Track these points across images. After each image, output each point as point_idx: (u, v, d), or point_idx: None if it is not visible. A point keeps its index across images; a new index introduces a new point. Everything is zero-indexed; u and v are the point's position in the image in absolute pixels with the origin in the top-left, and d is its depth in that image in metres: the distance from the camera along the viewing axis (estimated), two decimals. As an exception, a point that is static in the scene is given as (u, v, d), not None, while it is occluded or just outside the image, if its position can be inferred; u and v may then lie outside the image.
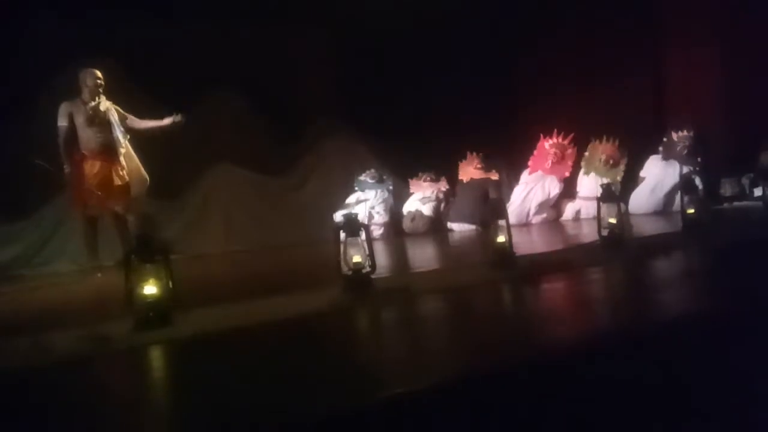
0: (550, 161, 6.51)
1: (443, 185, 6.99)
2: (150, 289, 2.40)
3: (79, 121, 4.81)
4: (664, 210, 6.10)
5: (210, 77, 6.46)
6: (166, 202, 6.34)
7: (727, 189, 6.27)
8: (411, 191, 6.99)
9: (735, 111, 6.66)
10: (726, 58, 6.87)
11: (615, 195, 3.57)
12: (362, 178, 6.82)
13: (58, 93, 5.59)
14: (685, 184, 4.04)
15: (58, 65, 5.50)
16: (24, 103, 5.83)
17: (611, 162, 6.41)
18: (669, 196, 6.11)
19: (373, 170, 6.90)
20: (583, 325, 2.11)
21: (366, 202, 6.55)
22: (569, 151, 6.61)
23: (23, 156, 5.76)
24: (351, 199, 6.67)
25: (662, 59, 7.51)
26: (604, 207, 3.43)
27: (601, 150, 6.50)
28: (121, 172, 4.98)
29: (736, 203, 6.00)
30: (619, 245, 3.36)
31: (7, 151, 5.77)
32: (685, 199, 3.80)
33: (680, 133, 6.36)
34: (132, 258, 2.42)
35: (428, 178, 6.96)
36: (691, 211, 3.76)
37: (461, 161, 6.95)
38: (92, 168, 4.81)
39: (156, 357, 2.21)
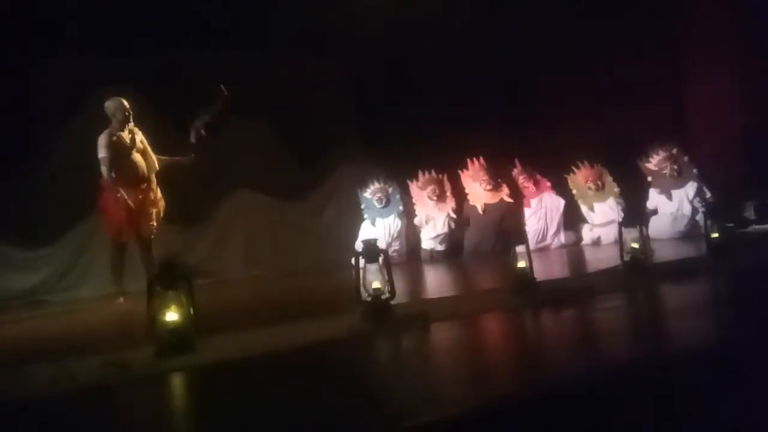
0: (530, 188, 6.53)
1: (452, 204, 6.55)
2: (172, 315, 2.41)
3: (117, 150, 4.87)
4: (687, 233, 5.97)
5: (230, 104, 6.55)
6: (186, 228, 6.40)
7: (752, 212, 6.15)
8: (414, 203, 6.57)
9: (755, 132, 6.62)
10: (734, 77, 6.88)
11: (637, 218, 3.53)
12: (368, 196, 6.47)
13: (79, 120, 5.74)
14: (709, 209, 3.99)
15: (80, 93, 5.64)
16: (46, 131, 5.97)
17: (599, 184, 6.37)
18: (692, 219, 6.00)
19: (376, 184, 6.46)
20: (606, 353, 2.08)
21: (378, 232, 6.21)
22: (538, 177, 6.60)
23: (46, 183, 5.91)
24: (362, 239, 6.23)
25: (670, 77, 7.52)
26: (626, 232, 3.39)
27: (581, 178, 6.48)
28: (154, 199, 5.07)
29: (758, 226, 5.89)
30: (642, 270, 3.32)
31: (30, 179, 5.90)
32: (709, 223, 3.74)
33: (654, 159, 6.22)
34: (154, 285, 2.44)
35: (434, 196, 6.44)
36: (715, 235, 3.70)
37: (463, 171, 6.64)
38: (129, 195, 4.88)
39: (177, 384, 2.22)
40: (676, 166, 6.10)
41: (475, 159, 6.59)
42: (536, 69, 7.09)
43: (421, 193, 6.55)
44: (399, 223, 6.44)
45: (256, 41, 6.50)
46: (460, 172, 6.67)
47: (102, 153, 4.81)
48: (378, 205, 6.43)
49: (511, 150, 6.83)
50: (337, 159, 7.15)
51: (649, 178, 6.28)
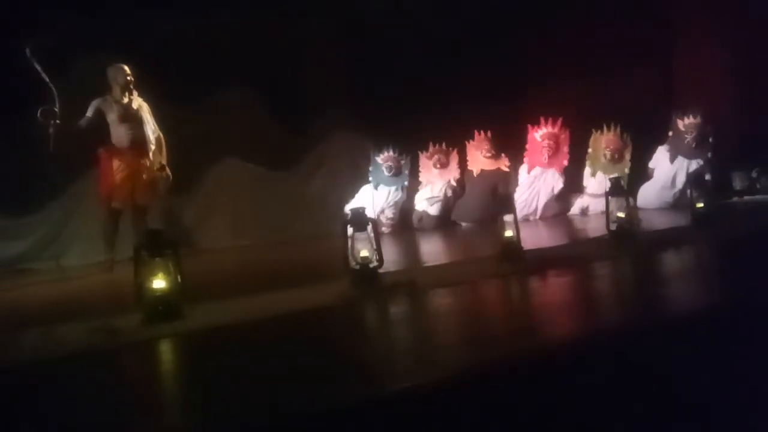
0: (546, 155, 6.33)
1: (454, 173, 6.68)
2: (159, 283, 2.41)
3: (111, 117, 4.87)
4: (674, 204, 6.01)
5: (217, 72, 6.45)
6: (174, 197, 6.35)
7: (737, 182, 6.20)
8: (420, 171, 6.67)
9: (745, 102, 6.61)
10: (737, 45, 6.80)
11: (623, 189, 3.55)
12: (379, 161, 6.46)
13: (66, 86, 5.61)
14: (694, 179, 4.01)
15: (67, 60, 5.51)
16: (33, 98, 5.85)
17: (616, 156, 6.23)
18: (681, 192, 6.01)
19: (390, 152, 6.45)
20: (589, 320, 2.10)
21: (378, 197, 6.34)
22: (562, 136, 6.40)
23: (32, 151, 5.82)
24: (361, 197, 6.33)
25: (670, 44, 7.40)
26: (612, 201, 3.41)
27: (604, 143, 6.29)
28: (148, 168, 5.03)
29: (746, 197, 5.94)
30: (627, 239, 3.35)
31: (16, 146, 5.80)
32: (695, 193, 3.78)
33: (686, 121, 6.04)
34: (141, 252, 2.43)
35: (438, 164, 6.61)
36: (701, 205, 3.73)
37: (469, 141, 6.69)
38: (122, 163, 4.88)
39: (165, 350, 2.23)
40: (699, 138, 5.99)
41: (482, 131, 6.63)
42: (543, 32, 6.91)
43: (428, 162, 6.69)
44: (400, 194, 6.53)
45: (244, 9, 6.37)
46: (466, 142, 6.74)
47: (88, 113, 4.84)
48: (386, 173, 6.46)
49: (521, 114, 6.69)
50: (326, 128, 7.09)
51: (670, 133, 6.16)
